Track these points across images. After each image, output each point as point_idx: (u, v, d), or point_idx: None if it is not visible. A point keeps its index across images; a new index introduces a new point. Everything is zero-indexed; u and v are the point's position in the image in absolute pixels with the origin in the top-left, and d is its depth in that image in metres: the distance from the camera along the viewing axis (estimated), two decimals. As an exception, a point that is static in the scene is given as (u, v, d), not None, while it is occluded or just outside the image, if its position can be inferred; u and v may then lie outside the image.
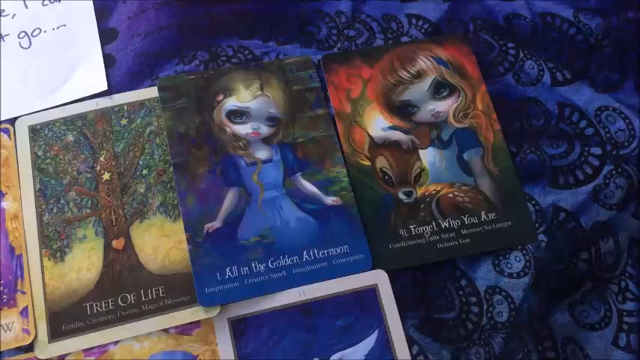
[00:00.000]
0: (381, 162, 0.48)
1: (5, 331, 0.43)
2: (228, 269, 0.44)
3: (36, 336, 0.43)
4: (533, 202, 0.48)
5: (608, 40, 0.54)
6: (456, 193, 0.48)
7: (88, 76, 0.51)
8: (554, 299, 0.46)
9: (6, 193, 0.47)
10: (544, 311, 0.45)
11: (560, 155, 0.49)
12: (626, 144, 0.50)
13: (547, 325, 0.45)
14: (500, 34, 0.54)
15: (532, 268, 0.45)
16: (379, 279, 0.45)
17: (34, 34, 0.53)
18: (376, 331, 0.44)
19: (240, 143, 0.48)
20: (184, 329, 0.43)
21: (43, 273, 0.44)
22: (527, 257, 0.46)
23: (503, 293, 0.45)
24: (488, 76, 0.52)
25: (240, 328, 0.43)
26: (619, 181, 0.48)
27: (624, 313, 0.46)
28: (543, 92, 0.52)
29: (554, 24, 0.55)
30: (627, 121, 0.50)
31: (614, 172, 0.49)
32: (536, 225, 0.47)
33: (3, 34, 0.53)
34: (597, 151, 0.50)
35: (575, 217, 0.47)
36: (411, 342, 0.44)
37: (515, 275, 0.45)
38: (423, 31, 0.54)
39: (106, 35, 0.53)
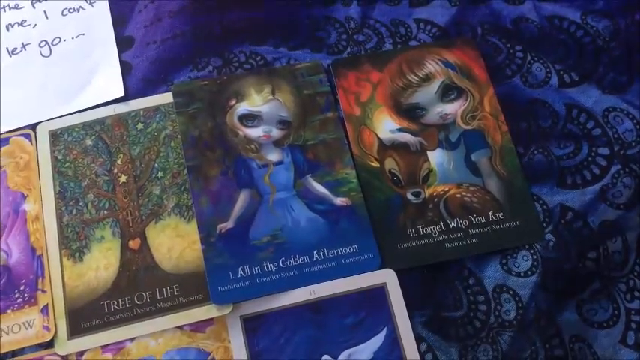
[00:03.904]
0: (390, 163, 0.49)
1: (27, 328, 0.44)
2: (240, 268, 0.45)
3: (56, 333, 0.44)
4: (540, 202, 0.48)
5: (615, 42, 0.55)
6: (463, 193, 0.48)
7: (106, 82, 0.53)
8: (562, 298, 0.46)
9: (28, 196, 0.48)
10: (552, 309, 0.45)
11: (567, 156, 0.50)
12: (633, 144, 0.50)
13: (555, 323, 0.45)
14: (507, 37, 0.55)
15: (539, 267, 0.46)
16: (388, 278, 0.45)
17: (54, 43, 0.55)
18: (385, 329, 0.44)
19: (252, 146, 0.50)
20: (198, 326, 0.45)
21: (62, 272, 0.46)
22: (535, 256, 0.46)
23: (511, 292, 0.46)
24: (496, 79, 0.53)
25: (252, 325, 0.44)
26: (626, 180, 0.49)
27: (632, 312, 0.46)
28: (551, 94, 0.52)
29: (561, 26, 0.55)
30: (635, 121, 0.51)
31: (621, 172, 0.49)
32: (544, 225, 0.47)
33: (25, 44, 0.55)
34: (605, 151, 0.50)
35: (583, 217, 0.48)
36: (419, 339, 0.44)
37: (522, 274, 0.46)
38: (431, 35, 0.55)
39: (123, 43, 0.55)
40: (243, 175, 0.49)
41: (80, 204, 0.48)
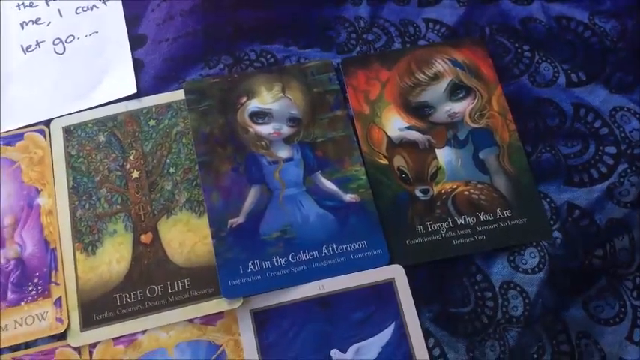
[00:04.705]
0: (399, 161, 0.50)
1: (40, 320, 0.45)
2: (250, 263, 0.46)
3: (69, 325, 0.45)
4: (547, 199, 0.49)
5: (622, 42, 0.55)
6: (471, 190, 0.49)
7: (119, 80, 0.53)
8: (569, 295, 0.46)
9: (42, 190, 0.49)
10: (558, 306, 0.46)
11: (574, 154, 0.50)
12: (640, 143, 0.51)
13: (561, 319, 0.46)
14: (515, 37, 0.55)
15: (546, 264, 0.46)
16: (396, 273, 0.46)
17: (68, 40, 0.56)
18: (393, 324, 0.45)
19: (263, 143, 0.50)
20: (208, 320, 0.45)
21: (75, 265, 0.47)
22: (542, 254, 0.47)
23: (518, 288, 0.46)
24: (504, 78, 0.53)
25: (261, 319, 0.45)
26: (633, 179, 0.49)
27: (639, 309, 0.46)
28: (558, 93, 0.53)
29: (569, 27, 0.56)
30: (642, 120, 0.51)
31: (628, 170, 0.49)
32: (551, 222, 0.48)
33: (39, 41, 0.55)
34: (612, 150, 0.50)
35: (590, 215, 0.48)
36: (427, 334, 0.45)
37: (529, 271, 0.46)
38: (440, 34, 0.56)
39: (136, 41, 0.55)
40: (253, 171, 0.49)
41: (93, 198, 0.49)
